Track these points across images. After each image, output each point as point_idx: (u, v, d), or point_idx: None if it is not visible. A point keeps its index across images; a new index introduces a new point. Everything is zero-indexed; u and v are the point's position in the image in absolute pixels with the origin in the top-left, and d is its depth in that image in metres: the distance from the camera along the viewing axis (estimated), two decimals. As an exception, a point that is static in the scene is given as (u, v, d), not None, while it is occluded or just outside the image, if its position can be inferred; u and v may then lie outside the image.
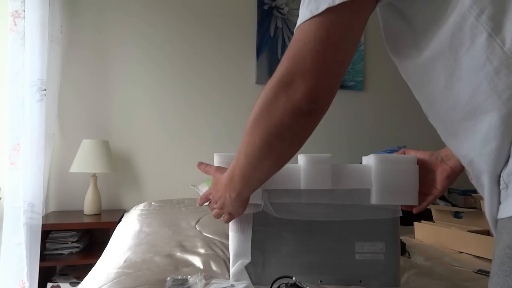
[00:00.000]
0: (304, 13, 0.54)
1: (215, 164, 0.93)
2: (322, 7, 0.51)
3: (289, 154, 0.65)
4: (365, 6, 0.55)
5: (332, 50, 0.54)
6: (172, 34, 2.63)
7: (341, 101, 2.90)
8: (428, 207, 1.68)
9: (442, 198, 2.10)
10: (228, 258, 1.08)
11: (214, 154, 0.95)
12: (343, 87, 2.90)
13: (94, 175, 2.29)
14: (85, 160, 2.22)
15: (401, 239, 1.42)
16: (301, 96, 0.55)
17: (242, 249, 0.95)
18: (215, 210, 0.88)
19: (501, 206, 0.50)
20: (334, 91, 0.57)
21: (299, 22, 0.55)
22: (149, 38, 2.59)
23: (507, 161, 0.49)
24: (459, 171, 0.86)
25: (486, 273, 1.12)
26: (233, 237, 0.95)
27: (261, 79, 2.72)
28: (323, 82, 0.55)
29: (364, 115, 2.98)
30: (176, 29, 2.63)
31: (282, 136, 0.60)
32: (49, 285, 2.01)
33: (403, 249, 1.39)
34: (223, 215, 0.88)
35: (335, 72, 0.56)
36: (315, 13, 0.52)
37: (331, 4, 0.51)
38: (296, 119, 0.57)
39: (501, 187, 0.51)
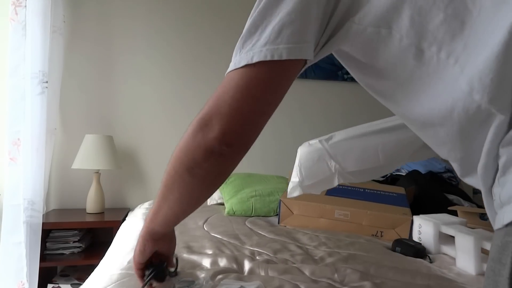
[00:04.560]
0: (232, 63, 0.58)
1: None
2: (243, 63, 0.55)
3: (199, 192, 0.66)
4: (287, 66, 0.57)
5: (251, 101, 0.57)
6: (179, 25, 2.57)
7: (359, 94, 2.80)
8: (453, 209, 1.64)
9: (468, 199, 2.02)
10: (237, 258, 1.10)
11: None
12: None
13: (97, 172, 2.25)
14: (87, 156, 2.18)
15: (420, 243, 1.38)
16: (214, 136, 0.57)
17: None
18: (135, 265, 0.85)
19: (496, 217, 0.51)
20: (250, 139, 0.60)
21: (230, 68, 0.58)
22: (155, 29, 2.54)
23: (495, 175, 0.51)
24: None
25: None
26: None
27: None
28: (237, 128, 0.58)
29: (377, 108, 2.89)
30: (182, 20, 2.58)
31: (194, 172, 0.62)
32: (49, 286, 2.00)
33: (423, 253, 1.34)
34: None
35: (252, 122, 0.59)
36: (238, 66, 0.56)
37: (249, 62, 0.55)
38: (207, 158, 0.59)
39: (493, 197, 0.52)
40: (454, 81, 0.52)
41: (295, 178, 1.17)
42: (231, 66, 0.58)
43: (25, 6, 1.98)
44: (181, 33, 2.57)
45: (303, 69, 0.61)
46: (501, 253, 0.45)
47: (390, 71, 0.60)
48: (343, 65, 0.71)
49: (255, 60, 0.54)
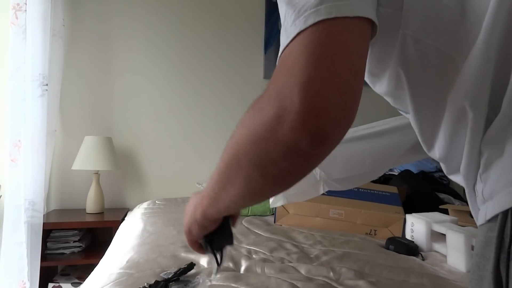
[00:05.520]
0: (290, 32, 0.42)
1: None
2: (318, 18, 0.40)
3: (268, 192, 0.52)
4: (366, 30, 0.44)
5: (341, 51, 0.40)
6: (178, 29, 2.58)
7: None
8: (444, 207, 1.67)
9: (458, 198, 2.05)
10: (234, 257, 1.09)
11: None
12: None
13: (97, 173, 2.26)
14: (87, 157, 2.18)
15: (413, 241, 1.41)
16: (299, 124, 0.38)
17: None
18: (189, 241, 0.75)
19: (478, 213, 0.50)
20: (352, 113, 0.41)
21: (282, 47, 0.44)
22: (154, 33, 2.55)
23: (477, 172, 0.50)
24: None
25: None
26: None
27: (269, 74, 2.65)
28: (335, 99, 0.39)
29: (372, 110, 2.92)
30: (182, 23, 2.59)
31: (266, 172, 0.45)
32: (50, 285, 1.99)
33: (416, 251, 1.36)
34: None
35: (351, 84, 0.40)
36: (309, 23, 0.41)
37: (328, 16, 0.40)
38: (288, 156, 0.42)
39: (476, 194, 0.51)
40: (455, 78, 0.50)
41: None
42: (291, 34, 0.42)
43: (25, 10, 1.98)
44: (179, 37, 2.58)
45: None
46: (485, 248, 0.45)
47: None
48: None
49: (316, 19, 0.40)
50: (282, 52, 0.44)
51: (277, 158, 0.42)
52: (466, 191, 0.54)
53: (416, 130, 0.59)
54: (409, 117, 0.59)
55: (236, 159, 0.48)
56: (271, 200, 1.17)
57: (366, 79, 0.60)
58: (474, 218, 0.53)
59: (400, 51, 0.52)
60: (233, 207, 0.61)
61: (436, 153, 0.58)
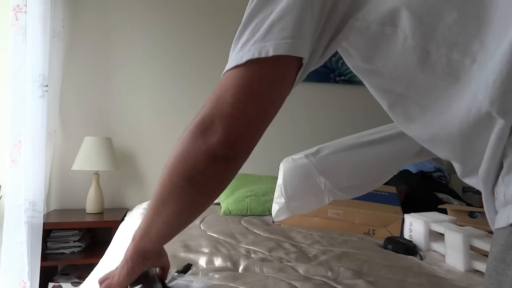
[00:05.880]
0: (231, 61, 0.54)
1: None
2: (245, 58, 0.51)
3: (198, 203, 0.60)
4: (278, 63, 0.53)
5: (255, 99, 0.53)
6: (176, 30, 2.59)
7: (351, 96, 2.85)
8: (443, 207, 1.67)
9: (457, 197, 2.05)
10: (233, 257, 1.07)
11: None
12: (353, 82, 2.85)
13: (97, 173, 2.26)
14: (87, 158, 2.19)
15: (411, 241, 1.41)
16: (217, 140, 0.52)
17: None
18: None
19: (496, 216, 0.49)
20: (254, 141, 0.56)
21: (226, 68, 0.55)
22: (153, 35, 2.56)
23: (498, 174, 0.49)
24: None
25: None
26: None
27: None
28: (241, 130, 0.53)
29: (369, 111, 2.92)
30: (180, 25, 2.59)
31: (195, 181, 0.56)
32: (50, 285, 2.00)
33: (414, 251, 1.36)
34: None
35: (256, 122, 0.54)
36: (240, 62, 0.52)
37: (252, 57, 0.51)
38: (210, 164, 0.54)
39: (495, 196, 0.50)
40: (468, 82, 0.49)
41: (279, 198, 1.07)
42: (230, 65, 0.54)
43: (26, 12, 1.99)
44: (177, 38, 2.59)
45: (303, 69, 0.56)
46: (506, 252, 0.43)
47: (390, 72, 0.58)
48: (347, 63, 0.68)
49: (244, 59, 0.52)
50: (223, 73, 0.55)
51: (203, 167, 0.54)
52: (483, 193, 0.53)
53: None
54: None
55: (168, 177, 0.58)
56: (274, 213, 1.12)
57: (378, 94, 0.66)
58: (489, 221, 0.52)
59: (416, 59, 0.54)
60: (166, 232, 0.65)
61: (448, 156, 0.59)
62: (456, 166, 0.60)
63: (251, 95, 0.52)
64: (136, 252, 0.68)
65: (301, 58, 0.54)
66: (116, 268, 0.72)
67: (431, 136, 0.58)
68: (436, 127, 0.56)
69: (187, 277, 0.88)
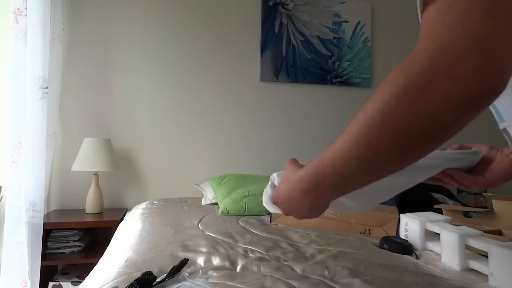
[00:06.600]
0: None
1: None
2: None
3: (420, 157, 0.45)
4: None
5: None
6: (175, 33, 2.61)
7: (348, 98, 2.87)
8: (439, 207, 1.67)
9: (452, 197, 2.07)
10: (230, 256, 1.06)
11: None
12: (349, 83, 2.86)
13: (96, 174, 2.28)
14: (87, 159, 2.20)
15: (407, 240, 1.42)
16: (481, 75, 0.35)
17: None
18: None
19: None
20: None
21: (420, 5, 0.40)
22: (153, 36, 2.57)
23: None
24: None
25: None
26: None
27: (265, 76, 2.69)
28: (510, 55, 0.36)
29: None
30: (179, 27, 2.61)
31: (428, 137, 0.41)
32: (50, 284, 2.00)
33: (410, 250, 1.37)
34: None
35: None
36: None
37: None
38: (462, 113, 0.38)
39: None
40: None
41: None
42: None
43: (26, 15, 2.00)
44: (176, 40, 2.60)
45: None
46: None
47: None
48: None
49: None
50: (424, 6, 0.40)
51: (447, 118, 0.38)
52: None
53: None
54: None
55: (388, 135, 0.43)
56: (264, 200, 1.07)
57: None
58: None
59: None
60: (361, 182, 0.51)
61: None
62: None
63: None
64: (327, 186, 0.53)
65: None
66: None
67: None
68: None
69: (197, 280, 0.89)
